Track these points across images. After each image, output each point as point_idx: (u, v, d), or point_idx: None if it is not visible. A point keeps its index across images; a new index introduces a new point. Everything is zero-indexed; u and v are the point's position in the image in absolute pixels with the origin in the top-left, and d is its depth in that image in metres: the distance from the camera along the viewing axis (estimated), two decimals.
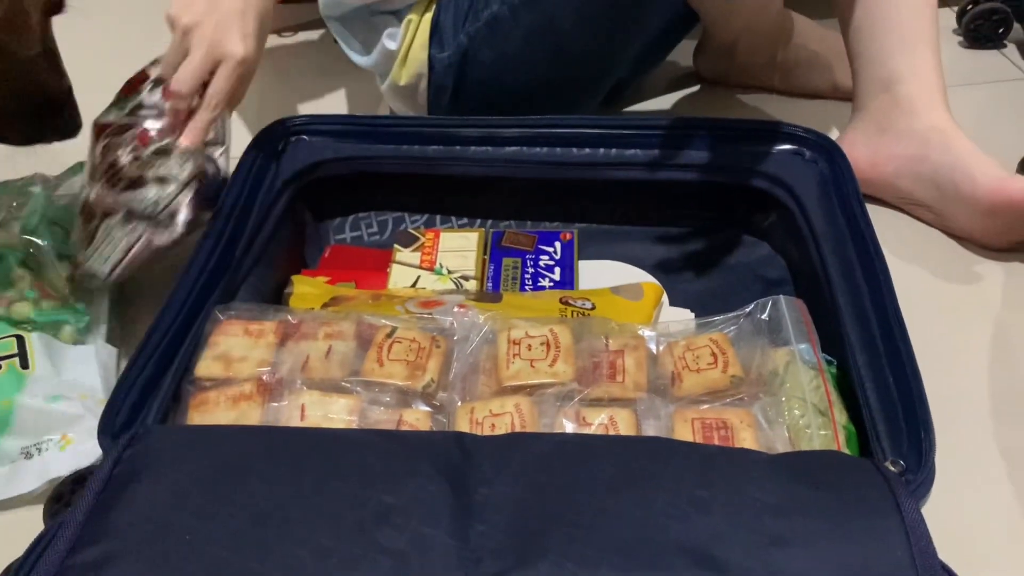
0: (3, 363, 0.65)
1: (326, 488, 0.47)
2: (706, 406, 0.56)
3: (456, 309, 0.66)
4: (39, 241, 0.74)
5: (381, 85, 0.94)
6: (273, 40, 1.28)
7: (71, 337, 0.71)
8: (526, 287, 0.75)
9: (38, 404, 0.64)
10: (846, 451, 0.55)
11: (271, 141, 0.79)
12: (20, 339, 0.67)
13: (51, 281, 0.72)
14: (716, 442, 0.53)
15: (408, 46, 0.87)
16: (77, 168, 0.83)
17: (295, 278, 0.75)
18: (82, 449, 0.62)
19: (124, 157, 0.71)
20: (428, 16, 0.86)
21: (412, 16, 0.86)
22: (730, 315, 0.63)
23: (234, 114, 0.96)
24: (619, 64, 0.93)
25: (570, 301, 0.69)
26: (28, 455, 0.63)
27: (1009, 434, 0.66)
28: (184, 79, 0.70)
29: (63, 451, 0.63)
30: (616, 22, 0.85)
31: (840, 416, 0.57)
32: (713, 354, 0.59)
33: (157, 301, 0.63)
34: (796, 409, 0.57)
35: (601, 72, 0.92)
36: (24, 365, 0.65)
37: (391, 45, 0.88)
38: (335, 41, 0.98)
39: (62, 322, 0.71)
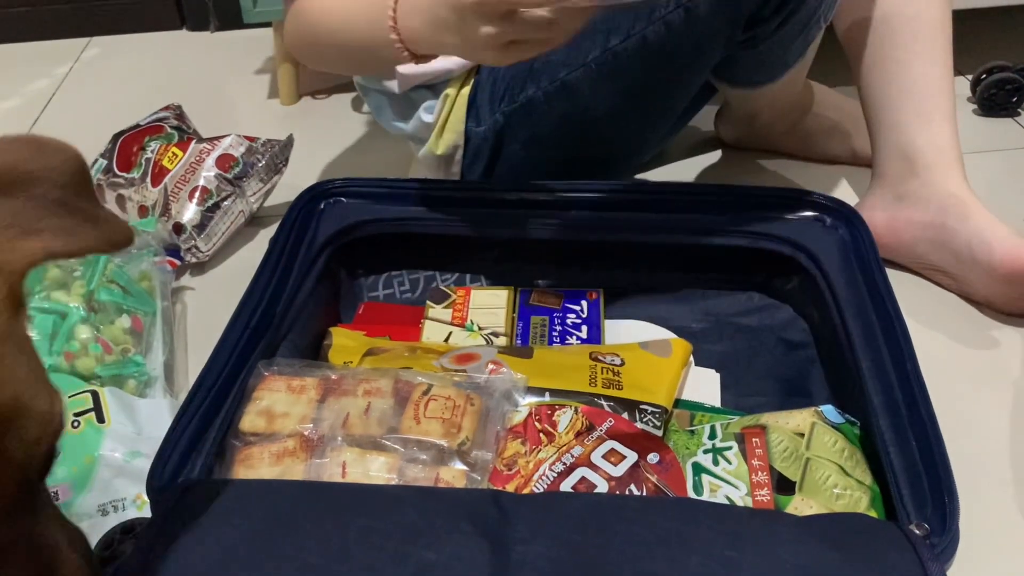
0: (80, 419, 0.67)
1: (370, 543, 0.49)
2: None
3: (489, 367, 0.68)
4: (101, 298, 0.77)
5: (417, 152, 0.98)
6: (307, 103, 1.32)
7: (135, 390, 0.74)
8: (554, 344, 0.77)
9: (118, 462, 0.66)
10: (871, 512, 0.57)
11: (310, 203, 0.82)
12: (95, 394, 0.69)
13: (113, 336, 0.75)
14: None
15: (445, 119, 0.91)
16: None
17: (333, 330, 0.77)
18: None
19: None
20: (465, 91, 0.89)
21: (449, 91, 0.90)
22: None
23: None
24: (647, 146, 0.97)
25: (599, 357, 0.71)
26: (105, 512, 0.65)
27: None
28: None
29: (140, 510, 0.65)
30: (646, 113, 0.89)
31: (865, 477, 0.59)
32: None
33: (204, 354, 0.65)
34: (821, 469, 0.59)
35: (630, 152, 0.96)
36: (100, 419, 0.68)
37: (427, 118, 0.92)
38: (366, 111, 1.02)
39: (126, 375, 0.74)
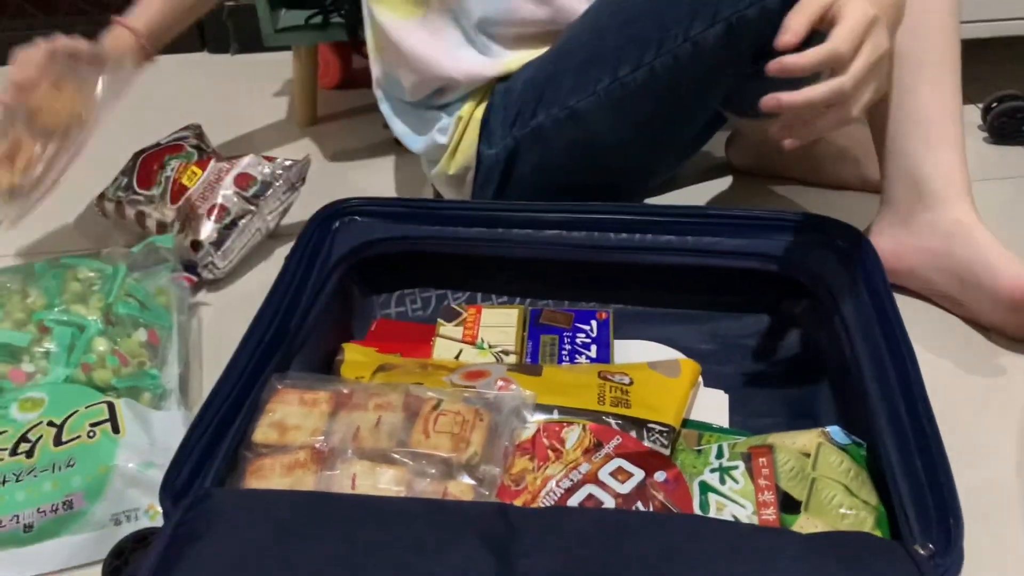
0: (96, 429, 0.68)
1: (377, 554, 0.49)
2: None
3: (499, 383, 0.69)
4: (119, 312, 0.78)
5: (429, 171, 0.99)
6: (324, 125, 1.35)
7: (150, 402, 0.75)
8: (563, 363, 0.78)
9: (132, 472, 0.67)
10: (877, 532, 0.57)
11: (326, 221, 0.83)
12: (111, 406, 0.71)
13: (130, 349, 0.77)
14: None
15: (458, 140, 0.92)
16: (150, 244, 0.88)
17: (346, 346, 0.78)
18: None
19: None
20: (478, 114, 0.91)
21: (462, 113, 0.92)
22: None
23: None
24: (657, 172, 0.98)
25: (608, 376, 0.71)
26: (117, 522, 0.66)
27: None
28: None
29: (152, 520, 0.66)
30: (654, 142, 0.90)
31: (871, 497, 0.59)
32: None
33: (218, 368, 0.66)
34: (827, 489, 0.59)
35: (639, 179, 0.98)
36: (115, 430, 0.69)
37: (441, 139, 0.94)
38: (384, 126, 1.04)
39: (141, 388, 0.75)
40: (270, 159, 1.01)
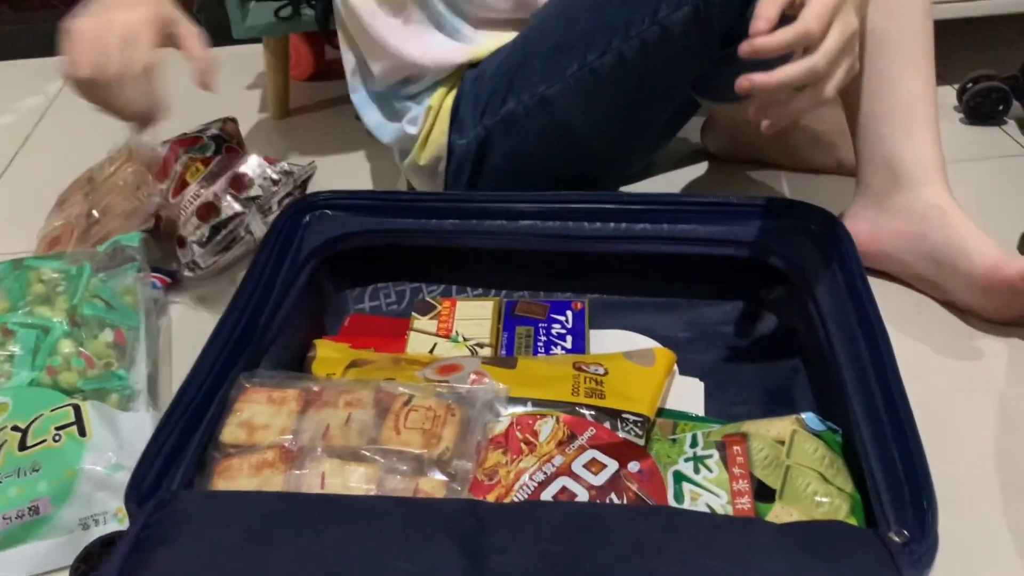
0: (62, 433, 0.67)
1: (346, 554, 0.49)
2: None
3: (472, 377, 0.68)
4: (84, 312, 0.77)
5: (401, 162, 0.98)
6: (297, 117, 1.33)
7: (118, 403, 0.74)
8: (539, 355, 0.77)
9: (100, 475, 0.66)
10: (852, 520, 0.56)
11: (296, 215, 0.82)
12: (77, 408, 0.69)
13: (96, 350, 0.75)
14: None
15: (428, 131, 0.91)
16: (113, 243, 0.87)
17: (318, 342, 0.77)
18: None
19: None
20: (448, 103, 0.90)
21: (432, 103, 0.90)
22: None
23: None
24: (631, 158, 0.97)
25: (583, 367, 0.71)
26: (86, 526, 0.65)
27: (1013, 507, 0.67)
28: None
29: (122, 523, 0.65)
30: (626, 127, 0.89)
31: (846, 484, 0.59)
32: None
33: (187, 367, 0.65)
34: (801, 477, 0.59)
35: (614, 166, 0.97)
36: (82, 433, 0.68)
37: (411, 130, 0.92)
38: (356, 118, 1.02)
39: (109, 389, 0.74)
40: (272, 161, 0.97)
